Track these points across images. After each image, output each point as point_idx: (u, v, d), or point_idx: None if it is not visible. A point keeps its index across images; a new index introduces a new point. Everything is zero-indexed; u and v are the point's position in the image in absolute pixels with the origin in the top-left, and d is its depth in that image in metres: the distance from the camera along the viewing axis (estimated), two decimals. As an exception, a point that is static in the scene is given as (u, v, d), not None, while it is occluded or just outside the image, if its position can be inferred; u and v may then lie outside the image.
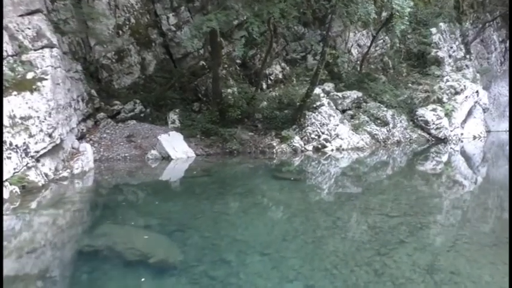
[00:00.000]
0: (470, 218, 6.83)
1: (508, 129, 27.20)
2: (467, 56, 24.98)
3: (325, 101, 17.24)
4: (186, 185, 10.24)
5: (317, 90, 17.39)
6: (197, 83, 17.88)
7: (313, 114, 16.42)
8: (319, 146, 15.88)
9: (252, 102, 17.21)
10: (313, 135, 15.97)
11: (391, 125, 18.81)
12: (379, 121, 18.59)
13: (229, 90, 17.00)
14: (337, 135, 16.60)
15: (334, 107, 17.87)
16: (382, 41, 24.66)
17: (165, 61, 18.55)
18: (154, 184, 10.41)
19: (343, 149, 16.29)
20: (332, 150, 16.06)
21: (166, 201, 8.46)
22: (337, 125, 16.95)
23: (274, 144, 15.26)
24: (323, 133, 16.15)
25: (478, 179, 12.57)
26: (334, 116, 17.13)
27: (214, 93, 15.84)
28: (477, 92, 21.83)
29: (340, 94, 19.23)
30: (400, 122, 19.54)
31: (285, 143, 15.39)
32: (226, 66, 18.56)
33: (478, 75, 24.00)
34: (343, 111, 18.94)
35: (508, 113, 27.57)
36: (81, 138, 13.53)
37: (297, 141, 15.56)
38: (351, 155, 15.79)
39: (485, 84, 25.44)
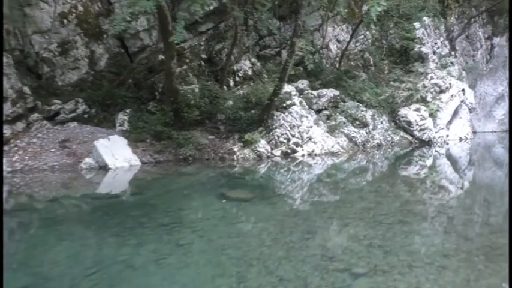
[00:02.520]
0: (469, 276, 4.54)
1: (493, 130, 25.31)
2: (453, 53, 22.81)
3: (296, 100, 14.87)
4: (103, 209, 7.70)
5: (288, 88, 15.05)
6: (154, 79, 15.38)
7: (283, 114, 14.06)
8: (289, 151, 13.52)
9: (215, 102, 14.84)
10: (281, 139, 13.61)
11: (370, 127, 16.54)
12: (357, 122, 16.29)
13: (188, 88, 14.57)
14: (310, 139, 14.26)
15: (307, 107, 15.53)
16: (362, 36, 22.35)
17: (120, 55, 15.97)
18: (62, 208, 7.83)
19: (315, 154, 13.94)
20: (303, 155, 13.74)
21: (60, 239, 6.01)
22: (311, 127, 14.61)
23: (236, 149, 12.85)
24: (293, 136, 13.80)
25: (469, 189, 10.44)
26: (307, 117, 14.79)
27: (168, 90, 13.34)
28: (463, 90, 19.68)
29: (315, 92, 16.87)
30: (381, 123, 17.30)
31: (249, 148, 13.01)
32: (187, 61, 16.09)
33: (463, 73, 21.87)
34: (318, 111, 16.62)
35: (494, 113, 25.65)
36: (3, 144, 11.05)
37: (262, 145, 13.18)
38: (325, 161, 13.50)
39: (470, 83, 23.34)
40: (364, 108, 16.77)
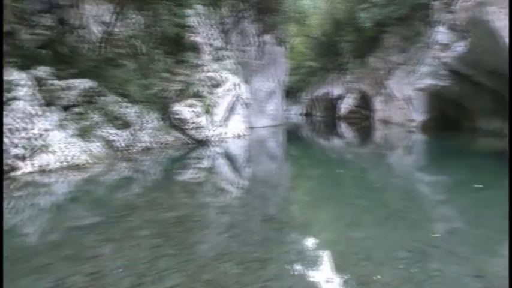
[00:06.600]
0: None
1: (266, 125, 25.62)
2: (227, 46, 21.58)
3: (24, 92, 10.13)
4: None
5: (13, 76, 10.23)
6: None
7: (-4, 114, 9.23)
8: (6, 168, 8.85)
9: None
10: (-8, 151, 8.82)
11: (136, 127, 13.07)
12: (118, 122, 12.62)
13: None
14: (45, 147, 9.89)
15: (44, 102, 10.93)
16: (133, 20, 18.77)
17: None
18: None
19: (51, 170, 9.63)
20: (30, 173, 9.22)
21: None
22: (48, 131, 10.22)
23: None
24: (15, 146, 9.16)
25: (247, 189, 9.01)
26: (43, 116, 10.32)
27: None
28: (238, 85, 18.40)
29: (62, 83, 12.37)
30: (151, 121, 14.07)
31: None
32: None
33: (238, 67, 20.82)
34: (66, 108, 12.22)
35: (266, 109, 25.99)
36: None
37: (-48, 164, 8.15)
38: (66, 178, 9.32)
39: (245, 79, 22.70)
40: (128, 104, 13.21)
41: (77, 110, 12.15)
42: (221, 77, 17.09)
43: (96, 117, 12.11)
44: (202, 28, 18.90)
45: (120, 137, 12.18)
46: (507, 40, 12.65)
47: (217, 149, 15.15)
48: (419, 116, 22.87)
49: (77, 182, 9.24)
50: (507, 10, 12.02)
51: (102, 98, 12.79)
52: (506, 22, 12.29)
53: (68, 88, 12.35)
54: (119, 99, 13.00)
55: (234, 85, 17.85)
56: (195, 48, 17.84)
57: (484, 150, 15.66)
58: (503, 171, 10.89)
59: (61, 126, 11.00)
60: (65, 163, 9.87)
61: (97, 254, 4.84)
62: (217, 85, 16.81)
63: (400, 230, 5.48)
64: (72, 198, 8.12)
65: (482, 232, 5.35)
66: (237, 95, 18.20)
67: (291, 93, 45.64)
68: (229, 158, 14.20)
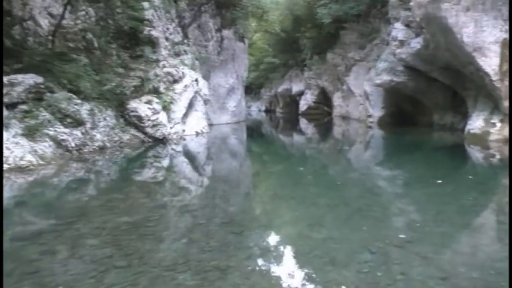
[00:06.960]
0: None
1: (227, 121, 25.27)
2: (186, 41, 20.97)
3: (-42, 89, 9.26)
4: None
5: None
6: None
7: None
8: None
9: None
10: None
11: (88, 125, 12.28)
12: (69, 120, 11.82)
13: None
14: (-16, 149, 9.06)
15: (-19, 100, 10.06)
16: (84, 12, 17.73)
17: None
18: None
19: (-9, 174, 8.88)
20: (-33, 178, 8.45)
21: None
22: (-12, 131, 9.39)
23: None
24: (-52, 148, 8.33)
25: (209, 191, 8.36)
26: (-19, 115, 9.46)
27: None
28: (196, 80, 17.90)
29: (5, 79, 11.44)
30: (104, 119, 13.32)
31: None
32: None
33: (197, 62, 20.28)
34: (11, 106, 11.30)
35: (227, 105, 25.63)
36: None
37: None
38: (8, 181, 8.53)
39: (204, 74, 22.19)
40: (79, 101, 12.38)
41: (23, 107, 11.25)
42: (179, 72, 16.52)
43: (44, 115, 11.26)
44: (159, 22, 18.20)
45: (70, 136, 11.39)
46: (459, 36, 13.03)
47: (176, 147, 14.68)
48: (376, 112, 23.32)
49: (20, 185, 8.52)
50: (460, 7, 12.34)
51: (50, 94, 11.93)
52: (459, 19, 12.63)
53: (11, 84, 11.41)
54: (70, 96, 12.17)
55: (193, 81, 17.34)
56: (151, 42, 17.14)
57: (438, 144, 16.18)
58: (456, 165, 11.26)
59: (7, 126, 10.14)
60: (6, 165, 9.06)
61: (38, 268, 4.34)
62: (175, 81, 16.24)
63: (362, 230, 5.36)
64: (15, 204, 7.44)
65: (443, 229, 5.33)
66: (196, 91, 17.71)
67: (251, 90, 45.46)
68: (188, 156, 13.81)
